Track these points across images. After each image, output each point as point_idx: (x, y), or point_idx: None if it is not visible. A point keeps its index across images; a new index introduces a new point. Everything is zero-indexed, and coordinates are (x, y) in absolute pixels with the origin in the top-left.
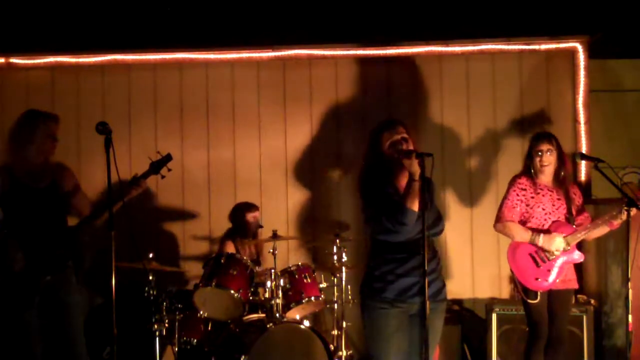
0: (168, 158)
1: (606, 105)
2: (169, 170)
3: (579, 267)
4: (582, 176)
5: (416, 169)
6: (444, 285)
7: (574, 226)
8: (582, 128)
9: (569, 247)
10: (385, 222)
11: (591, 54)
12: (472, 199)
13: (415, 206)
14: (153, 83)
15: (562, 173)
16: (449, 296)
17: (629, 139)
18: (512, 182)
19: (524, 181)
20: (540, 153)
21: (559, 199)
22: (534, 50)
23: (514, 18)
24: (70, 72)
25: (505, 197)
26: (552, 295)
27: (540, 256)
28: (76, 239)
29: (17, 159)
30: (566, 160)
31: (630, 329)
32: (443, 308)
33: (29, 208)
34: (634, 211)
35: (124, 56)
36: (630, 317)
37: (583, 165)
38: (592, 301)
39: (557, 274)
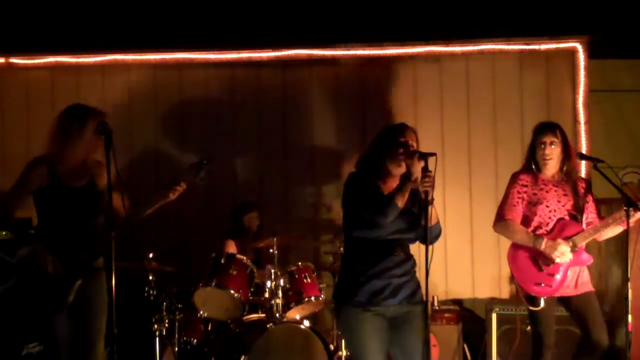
0: (206, 161)
1: (606, 105)
2: (207, 173)
3: None
4: (582, 176)
5: (415, 169)
6: (418, 288)
7: (583, 225)
8: (582, 128)
9: (576, 249)
10: (364, 214)
11: (591, 54)
12: (472, 199)
13: (400, 203)
14: (153, 83)
15: (565, 167)
16: (449, 296)
17: (629, 139)
18: (513, 179)
19: (524, 177)
20: (543, 145)
21: (565, 195)
22: (534, 50)
23: (514, 18)
24: (70, 72)
25: (505, 195)
26: (571, 302)
27: (543, 259)
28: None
29: (60, 155)
30: (572, 153)
31: (630, 329)
32: (421, 310)
33: (66, 207)
34: (636, 217)
35: (124, 56)
36: (630, 317)
37: (583, 165)
38: None
39: (562, 279)
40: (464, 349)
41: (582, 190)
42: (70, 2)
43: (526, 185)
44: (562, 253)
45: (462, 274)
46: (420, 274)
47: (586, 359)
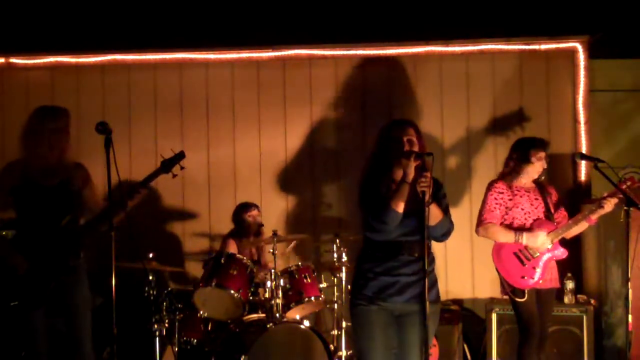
0: (180, 156)
1: (606, 105)
2: (182, 168)
3: (578, 267)
4: (582, 176)
5: (410, 170)
6: (432, 287)
7: (555, 223)
8: (582, 128)
9: (551, 245)
10: (370, 220)
11: (591, 54)
12: (472, 199)
13: (399, 207)
14: (153, 83)
15: (542, 176)
16: (450, 296)
17: (629, 139)
18: (490, 187)
19: (500, 185)
20: (541, 159)
21: (536, 199)
22: (534, 50)
23: (514, 18)
24: (70, 72)
25: (483, 202)
26: (539, 294)
27: (525, 254)
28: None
29: (30, 156)
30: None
31: (630, 329)
32: (433, 310)
33: (38, 206)
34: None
35: (124, 56)
36: (630, 317)
37: (583, 165)
38: (592, 301)
39: (542, 272)
40: (464, 349)
41: (551, 194)
42: (70, 2)
43: (502, 193)
44: (543, 243)
45: (462, 274)
46: (437, 272)
47: (526, 346)
